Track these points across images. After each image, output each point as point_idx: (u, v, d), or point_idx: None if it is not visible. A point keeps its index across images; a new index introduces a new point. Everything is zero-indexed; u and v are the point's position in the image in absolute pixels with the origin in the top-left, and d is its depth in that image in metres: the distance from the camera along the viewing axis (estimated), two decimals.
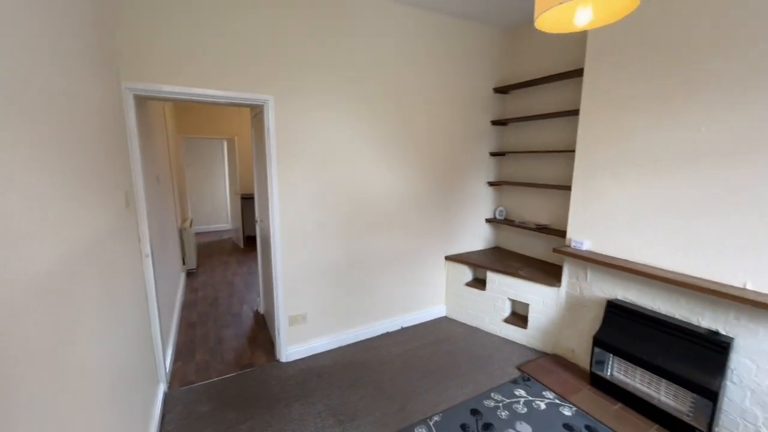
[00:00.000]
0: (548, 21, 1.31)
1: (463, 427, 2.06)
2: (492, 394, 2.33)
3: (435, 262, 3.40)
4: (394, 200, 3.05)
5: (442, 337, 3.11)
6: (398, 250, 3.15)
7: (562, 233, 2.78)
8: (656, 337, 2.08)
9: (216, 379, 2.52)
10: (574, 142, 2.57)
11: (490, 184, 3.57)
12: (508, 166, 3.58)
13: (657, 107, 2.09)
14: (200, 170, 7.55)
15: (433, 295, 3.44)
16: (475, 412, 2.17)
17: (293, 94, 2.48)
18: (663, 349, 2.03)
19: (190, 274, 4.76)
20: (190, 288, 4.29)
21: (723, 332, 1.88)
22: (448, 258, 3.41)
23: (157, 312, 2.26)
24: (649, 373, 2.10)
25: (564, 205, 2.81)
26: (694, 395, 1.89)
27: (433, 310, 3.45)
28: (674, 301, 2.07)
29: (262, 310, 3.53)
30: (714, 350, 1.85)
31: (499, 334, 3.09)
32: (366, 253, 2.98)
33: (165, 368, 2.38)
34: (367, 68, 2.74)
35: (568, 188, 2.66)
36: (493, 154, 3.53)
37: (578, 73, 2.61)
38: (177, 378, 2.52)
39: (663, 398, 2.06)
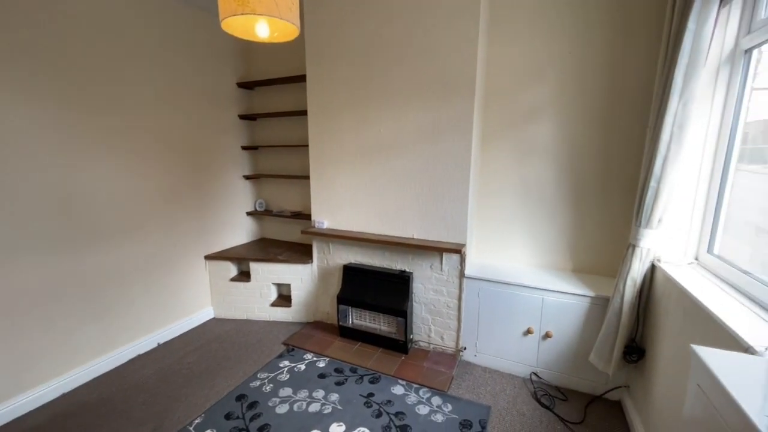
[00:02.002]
0: (235, 27, 1.48)
1: (228, 415, 2.10)
2: (259, 374, 2.48)
3: (195, 265, 3.17)
4: (131, 203, 2.61)
5: (210, 339, 2.98)
6: (144, 259, 2.74)
7: (310, 217, 3.20)
8: (375, 284, 2.79)
9: None
10: None
11: (247, 177, 3.63)
12: (263, 159, 3.75)
13: (357, 113, 2.74)
14: None
15: (196, 299, 3.21)
16: (240, 397, 2.25)
17: None
18: (379, 292, 2.75)
19: None
20: None
21: (407, 270, 2.75)
22: (208, 257, 3.25)
23: None
24: (374, 312, 2.80)
25: (309, 192, 3.24)
26: (397, 318, 2.69)
27: (199, 314, 3.23)
28: (382, 256, 2.84)
29: None
30: (403, 283, 2.69)
31: (268, 319, 3.27)
32: (96, 269, 2.43)
33: None
34: (84, 51, 2.21)
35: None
36: (245, 148, 3.59)
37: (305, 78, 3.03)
38: None
39: (383, 327, 2.81)
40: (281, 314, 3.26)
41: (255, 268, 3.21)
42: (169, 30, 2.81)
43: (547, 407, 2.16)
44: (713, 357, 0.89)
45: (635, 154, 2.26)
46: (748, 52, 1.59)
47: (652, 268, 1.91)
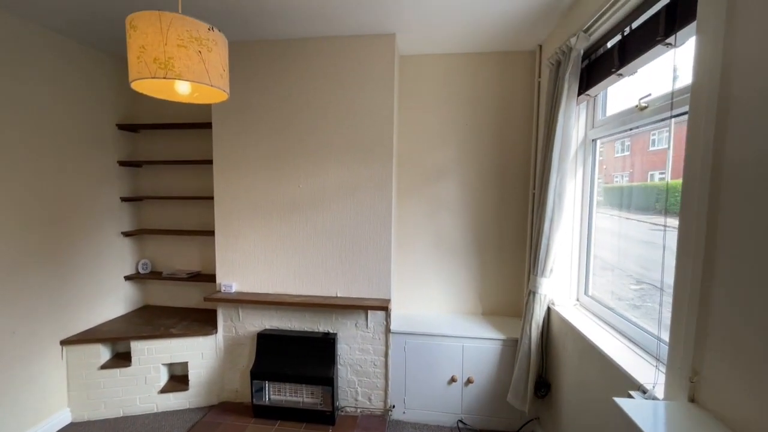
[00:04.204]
0: (149, 86, 1.29)
1: None
2: None
3: (43, 355, 2.39)
4: None
5: None
6: None
7: (214, 278, 2.80)
8: (296, 351, 2.55)
9: None
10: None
11: (126, 234, 3.01)
12: (148, 212, 3.19)
13: (273, 167, 2.60)
14: None
15: (42, 403, 2.38)
16: None
17: None
18: (300, 359, 2.52)
19: None
20: None
21: (331, 331, 2.61)
22: (66, 342, 2.50)
23: None
24: (295, 384, 2.54)
25: (214, 250, 2.86)
26: (323, 387, 2.49)
27: (46, 424, 2.39)
28: (302, 318, 2.64)
29: None
30: (329, 346, 2.53)
31: (156, 411, 2.64)
32: None
33: None
34: None
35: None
36: (125, 200, 3.01)
37: (210, 125, 2.76)
38: None
39: (306, 399, 2.56)
40: (175, 401, 2.66)
41: (138, 347, 2.59)
42: (14, 55, 2.25)
43: None
44: (631, 407, 1.08)
45: (522, 211, 2.71)
46: (594, 140, 2.13)
47: (548, 310, 2.25)
